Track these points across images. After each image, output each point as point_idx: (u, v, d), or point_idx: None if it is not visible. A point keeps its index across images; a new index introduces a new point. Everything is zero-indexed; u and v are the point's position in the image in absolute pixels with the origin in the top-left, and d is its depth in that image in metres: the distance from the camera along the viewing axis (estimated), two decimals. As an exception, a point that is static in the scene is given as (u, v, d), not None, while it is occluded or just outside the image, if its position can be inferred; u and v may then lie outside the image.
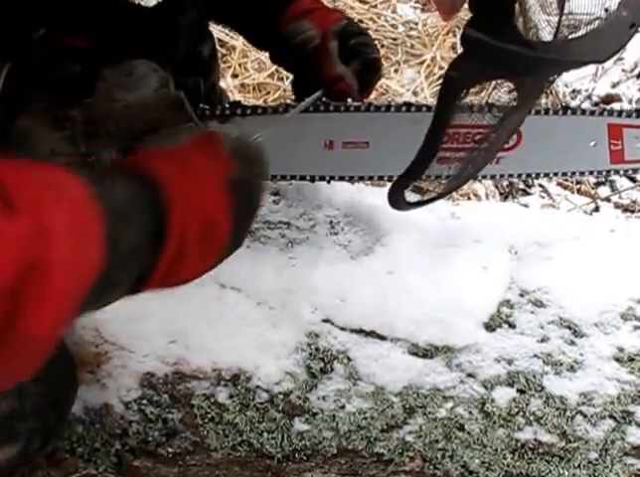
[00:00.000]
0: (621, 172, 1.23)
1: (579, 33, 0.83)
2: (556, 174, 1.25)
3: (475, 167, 1.06)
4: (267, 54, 1.35)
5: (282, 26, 1.22)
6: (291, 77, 1.33)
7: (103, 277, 0.64)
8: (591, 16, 0.84)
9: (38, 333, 0.59)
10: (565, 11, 0.82)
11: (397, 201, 1.01)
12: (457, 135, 1.13)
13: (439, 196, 1.04)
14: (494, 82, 0.97)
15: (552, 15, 0.84)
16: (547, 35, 0.85)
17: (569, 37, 0.84)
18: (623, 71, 2.47)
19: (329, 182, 1.21)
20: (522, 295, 1.14)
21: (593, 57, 0.85)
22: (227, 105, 1.16)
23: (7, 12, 0.88)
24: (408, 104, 1.17)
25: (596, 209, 2.22)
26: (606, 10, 0.84)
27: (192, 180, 0.75)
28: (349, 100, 1.18)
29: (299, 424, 1.06)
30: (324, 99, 1.16)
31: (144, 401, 1.06)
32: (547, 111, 1.19)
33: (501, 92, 0.99)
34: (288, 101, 1.21)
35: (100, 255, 0.63)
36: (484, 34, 0.79)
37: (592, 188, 2.23)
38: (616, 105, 2.36)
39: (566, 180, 2.22)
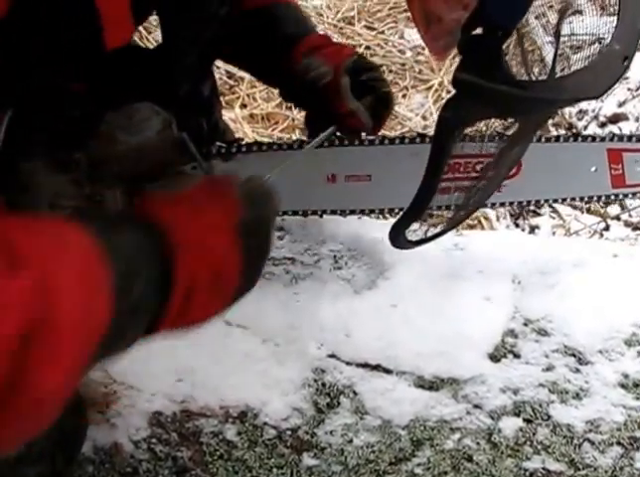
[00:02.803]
0: (621, 196, 1.24)
1: (573, 69, 0.84)
2: (556, 201, 1.26)
3: (477, 201, 1.07)
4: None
5: (293, 63, 1.23)
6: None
7: (112, 331, 0.63)
8: (585, 52, 0.85)
9: (45, 395, 0.57)
10: (559, 50, 0.83)
11: (398, 240, 1.02)
12: (458, 165, 1.14)
13: (442, 232, 1.06)
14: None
15: (544, 54, 0.85)
16: (539, 74, 0.86)
17: (563, 74, 0.85)
18: (629, 89, 2.48)
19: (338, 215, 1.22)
20: (526, 324, 1.14)
21: (588, 93, 0.85)
22: (230, 143, 1.18)
23: (8, 60, 0.89)
24: (409, 137, 1.19)
25: (606, 228, 2.21)
26: (600, 42, 0.85)
27: (200, 225, 0.74)
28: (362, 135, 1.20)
29: (308, 459, 1.07)
30: (337, 134, 1.17)
31: (153, 440, 1.07)
32: (546, 139, 1.21)
33: (500, 126, 1.00)
34: (294, 137, 1.23)
35: (109, 310, 0.62)
36: (474, 76, 0.80)
37: (602, 207, 2.23)
38: (615, 129, 2.36)
39: (574, 201, 2.22)
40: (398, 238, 1.02)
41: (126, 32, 0.84)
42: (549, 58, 0.85)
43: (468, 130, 1.00)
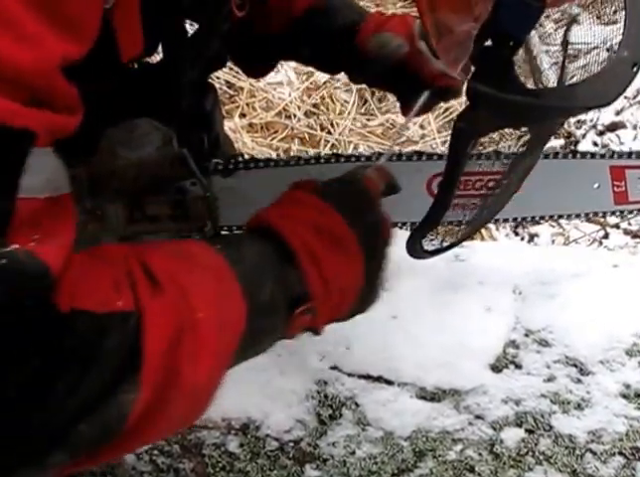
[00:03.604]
0: (626, 212, 1.24)
1: (582, 77, 0.85)
2: (561, 216, 1.26)
3: (490, 212, 1.08)
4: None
5: (364, 43, 1.24)
6: (299, 115, 1.34)
7: (248, 333, 0.73)
8: (594, 59, 0.85)
9: (197, 383, 0.67)
10: (568, 58, 0.84)
11: (415, 250, 1.02)
12: (469, 182, 1.14)
13: (457, 242, 1.06)
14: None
15: (555, 63, 0.86)
16: (550, 82, 0.87)
17: (573, 82, 0.85)
18: (626, 97, 2.49)
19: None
20: (527, 335, 1.14)
21: (599, 101, 0.85)
22: (230, 159, 1.18)
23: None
24: (410, 154, 1.19)
25: (606, 236, 2.22)
26: (608, 50, 0.85)
27: (319, 236, 0.82)
28: (360, 151, 1.19)
29: (310, 471, 1.07)
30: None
31: (155, 452, 1.07)
32: (548, 155, 1.21)
33: (511, 138, 1.01)
34: (294, 147, 1.23)
35: (242, 313, 0.72)
36: (488, 86, 0.81)
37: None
38: (614, 137, 2.37)
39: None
40: (414, 248, 1.02)
41: (137, 46, 0.86)
42: (557, 66, 0.86)
43: (483, 143, 1.00)
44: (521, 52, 0.84)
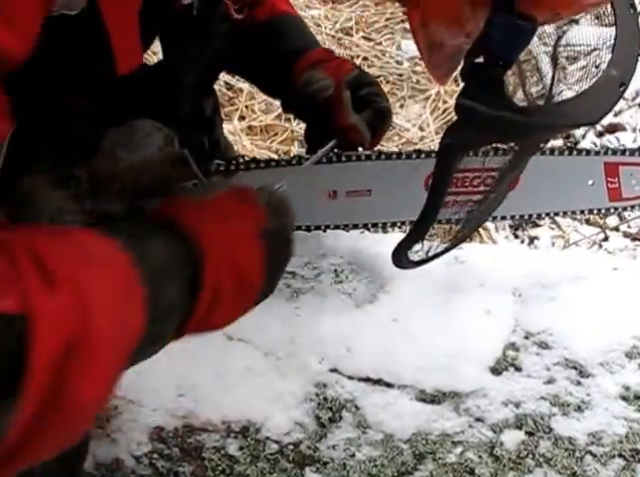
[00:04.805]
0: (620, 209, 1.25)
1: (571, 95, 0.85)
2: (557, 214, 1.26)
3: (478, 219, 1.08)
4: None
5: (296, 76, 1.24)
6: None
7: (145, 338, 0.66)
8: (583, 77, 0.85)
9: (84, 403, 0.59)
10: (557, 75, 0.84)
11: (400, 261, 1.03)
12: (457, 180, 1.15)
13: (443, 251, 1.06)
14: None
15: (544, 80, 0.86)
16: (539, 100, 0.87)
17: (561, 100, 0.86)
18: (624, 99, 2.49)
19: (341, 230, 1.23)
20: (527, 337, 1.15)
21: (587, 119, 0.86)
22: (231, 160, 1.18)
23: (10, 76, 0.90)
24: (407, 153, 1.19)
25: (605, 238, 2.22)
26: (597, 67, 0.85)
27: (226, 232, 0.77)
28: (359, 149, 1.20)
29: (310, 474, 1.07)
30: (335, 150, 1.18)
31: (155, 455, 1.07)
32: (544, 152, 1.21)
33: (499, 147, 1.02)
34: (293, 149, 1.23)
35: (142, 319, 0.65)
36: (477, 102, 0.81)
37: (601, 218, 2.24)
38: (613, 139, 2.37)
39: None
40: (400, 259, 1.03)
41: (136, 60, 0.86)
42: (547, 82, 0.86)
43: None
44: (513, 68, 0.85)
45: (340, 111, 1.19)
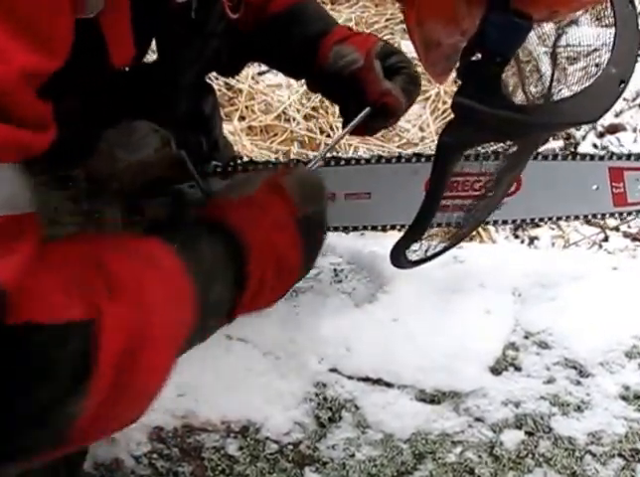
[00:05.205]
0: (625, 214, 1.24)
1: (570, 94, 0.85)
2: (560, 218, 1.26)
3: (476, 219, 1.08)
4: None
5: (324, 53, 1.26)
6: (299, 118, 1.35)
7: (196, 331, 0.76)
8: (583, 76, 0.85)
9: (146, 390, 0.70)
10: (557, 73, 0.84)
11: (399, 261, 1.03)
12: (456, 184, 1.15)
13: (442, 251, 1.06)
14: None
15: (543, 78, 0.86)
16: (538, 98, 0.87)
17: (560, 99, 0.85)
18: (625, 99, 2.49)
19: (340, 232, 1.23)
20: (527, 337, 1.14)
21: (586, 117, 0.86)
22: (228, 162, 1.18)
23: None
24: (406, 156, 1.19)
25: (606, 239, 2.22)
26: (597, 65, 0.85)
27: (265, 225, 0.86)
28: (359, 154, 1.20)
29: (310, 474, 1.07)
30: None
31: (154, 455, 1.07)
32: (547, 157, 1.21)
33: (500, 148, 1.01)
34: (293, 149, 1.23)
35: (194, 315, 0.74)
36: (474, 101, 0.81)
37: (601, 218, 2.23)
38: (614, 140, 2.37)
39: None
40: (398, 258, 1.03)
41: (128, 53, 0.86)
42: (546, 80, 0.86)
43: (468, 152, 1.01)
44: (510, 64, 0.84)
45: (373, 81, 1.21)
